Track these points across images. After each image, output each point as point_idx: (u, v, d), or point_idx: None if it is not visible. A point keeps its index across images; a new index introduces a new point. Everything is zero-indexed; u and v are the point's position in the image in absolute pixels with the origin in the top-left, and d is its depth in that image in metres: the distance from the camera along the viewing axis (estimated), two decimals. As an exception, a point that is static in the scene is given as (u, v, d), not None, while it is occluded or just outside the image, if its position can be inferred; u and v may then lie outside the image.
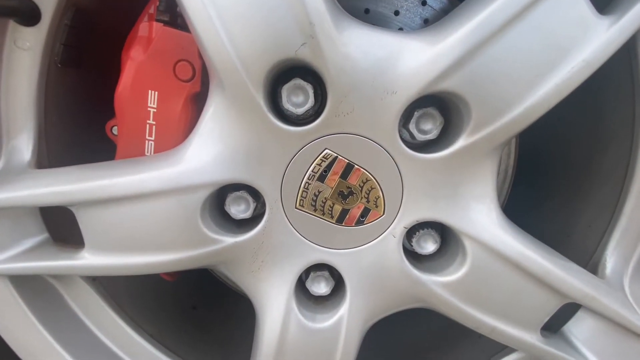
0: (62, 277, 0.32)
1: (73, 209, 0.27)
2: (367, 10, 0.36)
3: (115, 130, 0.34)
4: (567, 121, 0.37)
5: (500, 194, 0.44)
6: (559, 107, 0.27)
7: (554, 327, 0.35)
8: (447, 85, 0.24)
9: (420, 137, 0.27)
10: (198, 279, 0.42)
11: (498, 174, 0.42)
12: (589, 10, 0.23)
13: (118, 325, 0.36)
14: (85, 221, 0.27)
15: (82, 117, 0.35)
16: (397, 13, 0.36)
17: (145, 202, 0.26)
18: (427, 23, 0.36)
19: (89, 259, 0.28)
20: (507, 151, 0.41)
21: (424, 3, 0.36)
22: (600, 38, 0.23)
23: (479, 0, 0.24)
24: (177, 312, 0.41)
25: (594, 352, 0.33)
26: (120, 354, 0.36)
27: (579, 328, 0.34)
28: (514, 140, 0.38)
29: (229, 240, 0.28)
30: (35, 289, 0.32)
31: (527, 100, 0.23)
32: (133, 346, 0.37)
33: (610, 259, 0.35)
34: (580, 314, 0.34)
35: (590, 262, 0.35)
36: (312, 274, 0.32)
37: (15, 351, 0.32)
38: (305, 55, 0.23)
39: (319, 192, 0.29)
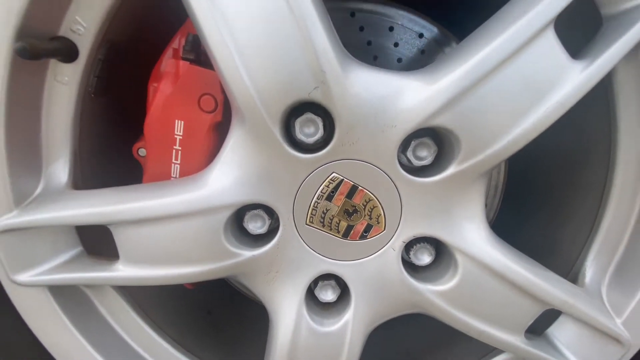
0: (94, 286, 0.36)
1: (110, 227, 0.30)
2: (369, 42, 0.39)
3: (141, 152, 0.38)
4: (552, 145, 0.40)
5: (491, 208, 0.48)
6: (546, 132, 0.30)
7: (538, 330, 0.38)
8: (440, 121, 0.27)
9: (416, 162, 0.30)
10: (212, 286, 0.45)
11: (490, 189, 0.46)
12: (564, 56, 0.26)
13: (142, 329, 0.40)
14: (121, 238, 0.30)
15: (110, 140, 0.38)
16: (396, 45, 0.39)
17: (175, 221, 0.29)
18: (423, 53, 0.40)
19: (123, 271, 0.31)
20: (497, 169, 0.45)
21: (420, 35, 0.39)
22: (574, 81, 0.26)
23: (470, 47, 0.27)
24: (195, 317, 0.45)
25: (575, 353, 0.37)
26: (145, 355, 0.39)
27: (561, 331, 0.37)
28: (503, 161, 0.42)
29: (247, 254, 0.32)
30: (70, 297, 0.36)
31: (509, 135, 0.27)
32: (156, 348, 0.40)
33: (590, 270, 0.38)
34: (562, 319, 0.38)
35: (571, 272, 0.39)
36: (320, 283, 0.35)
37: (52, 354, 0.35)
38: (317, 96, 0.27)
39: (327, 210, 0.33)
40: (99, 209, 0.30)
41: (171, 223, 0.30)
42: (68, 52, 0.30)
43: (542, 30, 0.25)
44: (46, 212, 0.31)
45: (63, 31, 0.30)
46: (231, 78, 0.26)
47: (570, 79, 0.26)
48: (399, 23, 0.39)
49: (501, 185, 0.44)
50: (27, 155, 0.32)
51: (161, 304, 0.41)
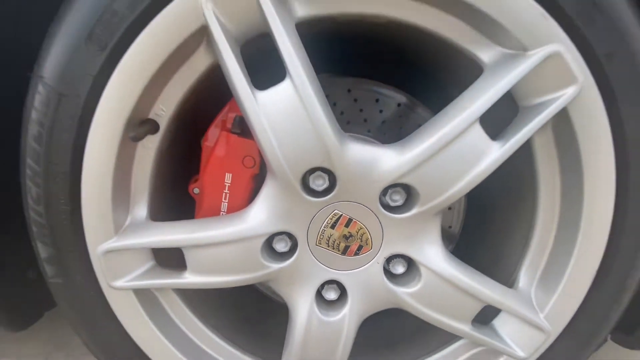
0: (163, 289, 0.50)
1: (183, 250, 0.44)
2: (361, 110, 0.53)
3: (196, 191, 0.51)
4: (501, 185, 0.54)
5: (456, 229, 0.62)
6: (497, 177, 0.43)
7: (485, 321, 0.52)
8: (406, 179, 0.41)
9: (392, 204, 0.44)
10: (244, 290, 0.59)
11: (454, 216, 0.60)
12: (486, 138, 0.40)
13: (193, 321, 0.53)
14: (189, 256, 0.44)
15: (173, 183, 0.52)
16: (381, 111, 0.53)
17: (227, 245, 0.43)
18: (400, 117, 0.54)
19: (189, 279, 0.45)
20: (459, 202, 0.59)
21: (399, 105, 0.53)
22: (494, 155, 0.40)
23: (427, 131, 0.41)
24: (232, 310, 0.58)
25: (511, 339, 0.50)
26: (196, 340, 0.53)
27: (501, 322, 0.50)
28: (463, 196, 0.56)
29: (275, 266, 0.45)
30: (146, 298, 0.49)
31: (452, 190, 0.40)
32: (202, 335, 0.54)
33: (522, 277, 0.51)
34: (502, 313, 0.51)
35: (510, 279, 0.52)
36: (326, 287, 0.49)
37: (136, 341, 0.48)
38: (324, 164, 0.40)
39: (331, 235, 0.46)
40: (176, 237, 0.43)
41: (225, 246, 0.43)
42: (154, 129, 0.44)
43: (472, 124, 0.39)
44: (136, 238, 0.45)
45: (151, 115, 0.43)
46: (269, 152, 0.40)
47: (491, 154, 0.39)
48: (384, 95, 0.52)
49: (462, 213, 0.57)
50: (123, 198, 0.45)
51: (206, 300, 0.55)
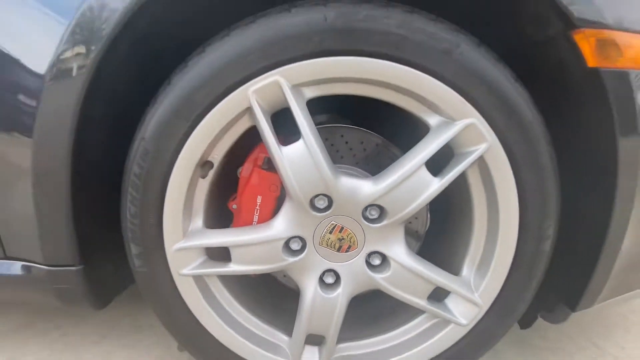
0: (212, 275, 0.70)
1: (229, 247, 0.64)
2: (351, 148, 0.74)
3: (234, 207, 0.72)
4: (450, 202, 0.75)
5: (421, 231, 0.82)
6: (448, 196, 0.64)
7: (439, 299, 0.72)
8: (379, 202, 0.61)
9: (370, 217, 0.64)
10: (266, 278, 0.80)
11: (420, 222, 0.81)
12: (429, 176, 0.60)
13: (231, 301, 0.74)
14: (234, 252, 0.65)
15: (217, 202, 0.73)
16: (365, 150, 0.74)
17: (260, 245, 0.64)
18: (378, 154, 0.75)
19: (233, 268, 0.65)
20: (425, 210, 0.79)
21: (377, 145, 0.74)
22: (435, 187, 0.60)
23: (394, 169, 0.61)
24: (258, 293, 0.79)
25: (456, 311, 0.70)
26: (234, 315, 0.73)
27: (450, 300, 0.71)
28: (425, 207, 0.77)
29: (291, 259, 0.66)
30: (200, 282, 0.70)
31: (408, 209, 0.61)
32: (238, 311, 0.74)
33: (465, 268, 0.72)
34: (451, 294, 0.72)
35: (457, 269, 0.73)
36: (325, 274, 0.69)
37: (196, 317, 0.69)
38: (325, 192, 0.61)
39: (329, 238, 0.67)
40: (225, 239, 0.64)
41: (258, 246, 0.64)
42: (209, 168, 0.65)
43: (420, 167, 0.59)
44: (196, 240, 0.65)
45: (209, 159, 0.64)
46: (289, 184, 0.60)
47: (433, 186, 0.60)
48: (366, 138, 0.73)
49: (426, 222, 0.78)
50: (188, 213, 0.66)
51: (240, 288, 0.76)
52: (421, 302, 0.68)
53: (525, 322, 0.84)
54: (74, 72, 0.55)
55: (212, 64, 0.54)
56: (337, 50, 0.53)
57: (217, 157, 0.64)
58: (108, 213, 0.70)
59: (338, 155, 0.75)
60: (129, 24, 0.54)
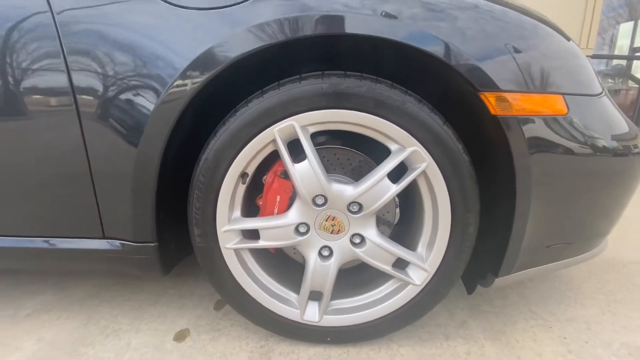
0: (244, 249, 1.03)
1: (259, 230, 0.97)
2: (341, 164, 1.06)
3: (260, 203, 1.04)
4: (411, 200, 1.07)
5: (392, 221, 1.15)
6: (410, 195, 0.97)
7: (402, 267, 1.04)
8: (357, 199, 0.93)
9: (352, 210, 0.96)
10: (281, 253, 1.13)
11: (392, 211, 1.13)
12: (390, 183, 0.93)
13: (258, 269, 1.06)
14: (263, 233, 0.97)
15: (248, 199, 1.05)
16: (351, 164, 1.07)
17: (279, 228, 0.96)
18: (360, 166, 1.07)
19: (261, 243, 0.98)
20: (393, 202, 1.11)
21: (360, 161, 1.07)
22: (393, 190, 0.92)
23: (366, 180, 0.94)
24: (275, 264, 1.12)
25: (412, 275, 1.02)
26: (261, 279, 1.06)
27: (409, 268, 1.03)
28: (393, 200, 1.09)
29: (300, 238, 0.98)
30: (239, 256, 1.02)
31: (376, 205, 0.93)
32: (265, 278, 1.07)
33: (419, 245, 1.03)
34: (410, 264, 1.04)
35: (414, 246, 1.04)
36: (322, 249, 1.02)
37: (237, 280, 1.02)
38: (322, 192, 0.93)
39: (325, 224, 0.99)
40: (257, 224, 0.96)
41: (278, 228, 0.96)
42: (246, 176, 0.97)
43: (383, 177, 0.91)
44: (237, 225, 0.98)
45: (247, 171, 0.97)
46: (298, 188, 0.93)
47: (392, 190, 0.92)
48: (352, 156, 1.06)
49: (396, 214, 1.11)
50: (232, 207, 0.98)
51: (264, 259, 1.08)
52: (388, 268, 1.00)
53: (469, 289, 1.16)
54: (171, 107, 0.85)
55: (253, 113, 0.87)
56: (329, 105, 0.86)
57: (250, 169, 0.97)
58: (173, 205, 1.03)
59: (332, 168, 1.07)
60: (213, 79, 0.85)
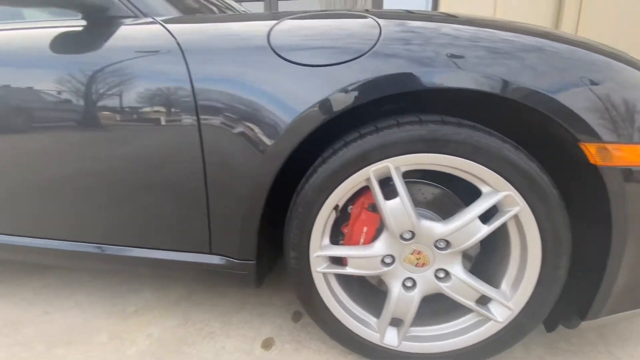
0: (331, 274, 1.11)
1: (348, 257, 1.04)
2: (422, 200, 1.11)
3: (345, 231, 1.12)
4: (495, 239, 1.08)
5: (474, 253, 1.16)
6: (496, 236, 0.99)
7: (484, 302, 1.06)
8: (447, 237, 0.97)
9: (439, 246, 1.00)
10: (363, 280, 1.19)
11: (473, 249, 1.15)
12: (480, 223, 0.95)
13: (342, 293, 1.14)
14: (351, 261, 1.05)
15: (334, 228, 1.13)
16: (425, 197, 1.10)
17: (366, 258, 1.03)
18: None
19: (349, 270, 1.05)
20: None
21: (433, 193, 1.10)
22: (484, 231, 0.95)
23: (457, 218, 0.97)
24: (358, 290, 1.19)
25: (496, 313, 1.04)
26: (345, 302, 1.14)
27: (492, 304, 1.04)
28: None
29: (385, 269, 1.04)
30: (326, 280, 1.11)
31: (466, 243, 0.96)
32: (347, 300, 1.14)
33: (503, 284, 1.04)
34: (492, 300, 1.05)
35: (497, 284, 1.06)
36: (406, 279, 1.07)
37: (324, 301, 1.10)
38: (411, 228, 0.98)
39: (410, 257, 1.04)
40: (346, 252, 1.04)
41: (365, 258, 1.03)
42: (337, 208, 1.05)
43: (475, 217, 0.94)
44: (327, 251, 1.06)
45: (338, 202, 1.05)
46: (388, 223, 0.98)
47: (483, 230, 0.94)
48: (437, 192, 1.09)
49: (477, 247, 1.12)
50: (322, 235, 1.07)
51: (348, 285, 1.16)
52: (471, 304, 1.03)
53: (550, 327, 1.15)
54: (283, 147, 0.95)
55: (352, 154, 0.94)
56: (426, 150, 0.90)
57: (341, 202, 1.05)
58: (270, 230, 1.14)
59: (417, 202, 1.12)
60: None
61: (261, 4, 5.54)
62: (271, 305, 1.49)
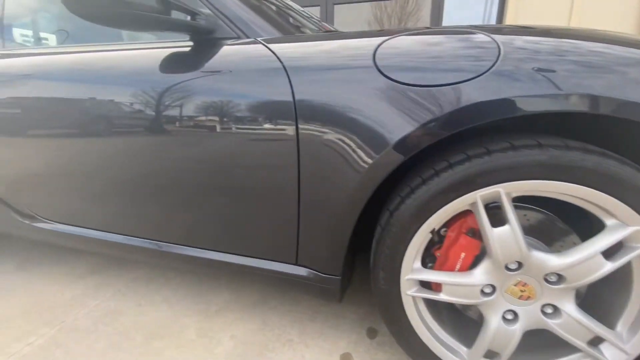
0: (420, 298, 1.07)
1: (443, 283, 1.00)
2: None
3: (437, 254, 1.07)
4: (613, 280, 0.97)
5: (584, 288, 1.06)
6: (616, 275, 0.89)
7: (595, 344, 0.96)
8: (561, 272, 0.89)
9: (550, 280, 0.92)
10: (454, 307, 1.14)
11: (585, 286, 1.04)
12: (603, 259, 0.85)
13: (431, 319, 1.10)
14: (445, 287, 1.00)
15: (426, 251, 1.09)
16: (528, 220, 1.01)
17: (464, 286, 0.97)
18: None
19: (443, 297, 1.01)
20: (584, 277, 1.03)
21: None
22: (607, 268, 0.85)
23: (573, 252, 0.88)
24: (448, 317, 1.14)
25: (608, 355, 0.93)
26: (433, 329, 1.09)
27: (604, 346, 0.94)
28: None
29: (483, 299, 0.98)
30: (415, 304, 1.07)
31: (584, 280, 0.87)
32: (435, 325, 1.10)
33: (619, 325, 0.94)
34: (605, 342, 0.94)
35: (613, 324, 0.95)
36: (506, 312, 0.99)
37: (412, 324, 1.07)
38: (519, 259, 0.91)
39: (514, 289, 0.97)
40: (440, 278, 0.99)
41: (462, 286, 0.98)
42: (436, 231, 1.01)
43: (597, 253, 0.85)
44: (419, 275, 1.02)
45: (435, 226, 1.00)
46: (493, 251, 0.92)
47: (606, 267, 0.85)
48: (546, 219, 1.00)
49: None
50: (416, 258, 1.03)
51: (437, 311, 1.11)
52: (583, 345, 0.93)
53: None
54: (382, 168, 0.92)
55: (457, 177, 0.89)
56: (545, 177, 0.83)
57: (438, 225, 1.00)
58: (355, 249, 1.12)
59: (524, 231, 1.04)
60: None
61: (317, 8, 5.56)
62: (344, 318, 1.47)
